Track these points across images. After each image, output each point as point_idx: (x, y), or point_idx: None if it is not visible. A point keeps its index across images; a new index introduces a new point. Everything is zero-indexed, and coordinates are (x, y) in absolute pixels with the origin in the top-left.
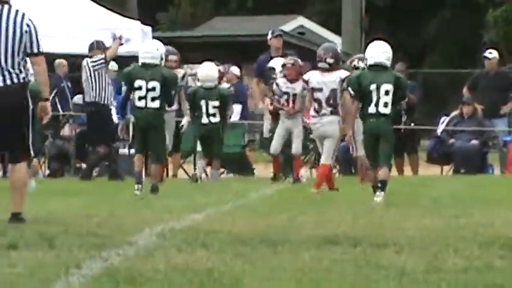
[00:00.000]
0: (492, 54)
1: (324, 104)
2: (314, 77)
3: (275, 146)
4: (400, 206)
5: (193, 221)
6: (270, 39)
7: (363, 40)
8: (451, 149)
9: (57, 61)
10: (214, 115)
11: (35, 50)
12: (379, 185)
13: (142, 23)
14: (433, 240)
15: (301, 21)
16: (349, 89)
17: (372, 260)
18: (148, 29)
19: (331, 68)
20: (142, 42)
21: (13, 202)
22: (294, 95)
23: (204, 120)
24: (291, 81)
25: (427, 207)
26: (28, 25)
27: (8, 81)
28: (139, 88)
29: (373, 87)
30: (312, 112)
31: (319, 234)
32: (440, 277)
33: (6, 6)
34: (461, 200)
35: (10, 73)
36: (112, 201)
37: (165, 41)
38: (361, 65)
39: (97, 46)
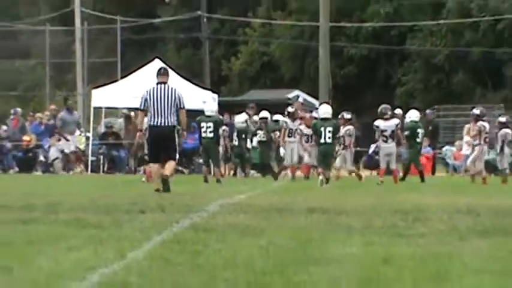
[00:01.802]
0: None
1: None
2: (381, 123)
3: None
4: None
5: (239, 199)
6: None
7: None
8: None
9: None
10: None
11: (181, 106)
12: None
13: (212, 91)
14: (368, 210)
15: (297, 92)
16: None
17: (334, 221)
18: (216, 95)
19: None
20: (205, 103)
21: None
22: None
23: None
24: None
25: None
26: (178, 94)
27: (169, 123)
28: (203, 127)
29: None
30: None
31: (307, 207)
32: (370, 230)
33: (166, 85)
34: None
35: (170, 118)
36: (196, 187)
37: (224, 102)
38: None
39: None
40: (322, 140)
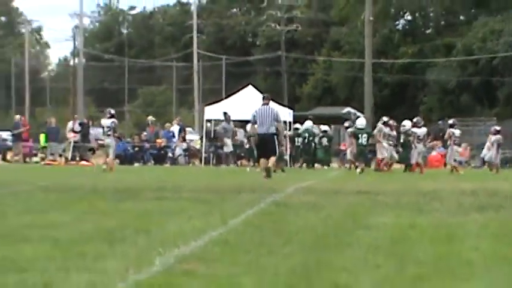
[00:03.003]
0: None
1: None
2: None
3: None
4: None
5: (307, 184)
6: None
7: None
8: None
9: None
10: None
11: (278, 120)
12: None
13: (289, 108)
14: (398, 192)
15: (349, 108)
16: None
17: (374, 199)
18: (291, 111)
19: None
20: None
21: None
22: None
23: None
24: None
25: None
26: (276, 112)
27: (270, 131)
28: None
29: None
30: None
31: (355, 190)
32: (399, 206)
33: (268, 105)
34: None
35: (271, 129)
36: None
37: (297, 116)
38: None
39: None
40: (359, 142)
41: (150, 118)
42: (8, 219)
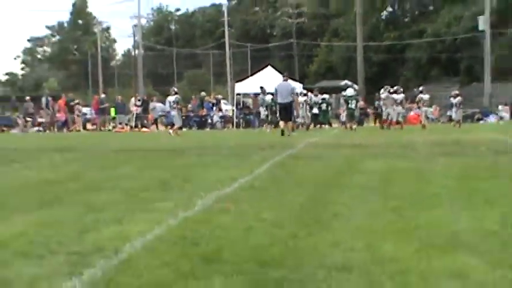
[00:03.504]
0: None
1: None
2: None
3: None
4: (376, 134)
5: (314, 140)
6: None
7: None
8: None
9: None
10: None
11: (294, 93)
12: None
13: (300, 82)
14: (383, 144)
15: (346, 81)
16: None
17: (366, 150)
18: (301, 84)
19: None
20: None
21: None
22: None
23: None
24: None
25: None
26: (293, 87)
27: (288, 101)
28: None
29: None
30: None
31: (350, 143)
32: (385, 155)
33: (287, 81)
34: None
35: (288, 99)
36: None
37: (306, 88)
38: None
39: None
40: (349, 106)
41: (203, 94)
42: (89, 174)
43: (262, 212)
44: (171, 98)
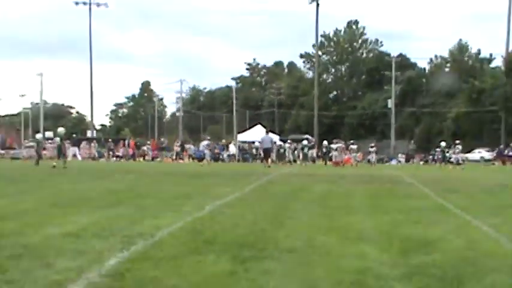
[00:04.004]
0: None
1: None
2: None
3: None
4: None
5: (284, 172)
6: None
7: None
8: None
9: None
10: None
11: (273, 141)
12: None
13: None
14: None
15: (307, 135)
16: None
17: (313, 177)
18: (278, 136)
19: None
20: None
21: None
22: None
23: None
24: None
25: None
26: (272, 137)
27: (269, 146)
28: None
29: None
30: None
31: (307, 173)
32: (327, 180)
33: (268, 134)
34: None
35: (270, 144)
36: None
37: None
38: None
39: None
40: (304, 152)
41: (228, 142)
42: (141, 187)
43: (245, 214)
44: (204, 142)
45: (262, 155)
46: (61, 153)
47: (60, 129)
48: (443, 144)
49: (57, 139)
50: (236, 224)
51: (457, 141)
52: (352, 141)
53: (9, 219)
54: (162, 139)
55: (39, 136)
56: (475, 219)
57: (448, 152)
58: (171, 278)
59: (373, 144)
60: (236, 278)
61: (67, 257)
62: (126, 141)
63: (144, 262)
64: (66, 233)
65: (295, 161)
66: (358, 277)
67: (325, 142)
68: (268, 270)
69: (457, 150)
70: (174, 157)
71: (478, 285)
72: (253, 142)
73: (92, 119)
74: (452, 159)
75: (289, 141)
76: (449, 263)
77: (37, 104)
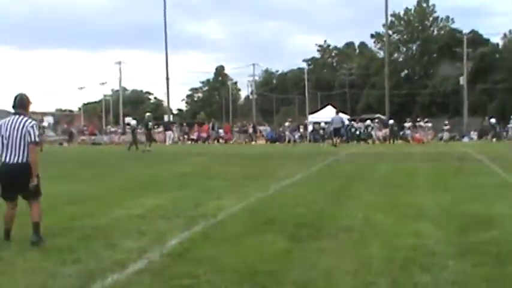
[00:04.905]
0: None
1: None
2: None
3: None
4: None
5: (352, 151)
6: None
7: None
8: None
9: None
10: None
11: (343, 121)
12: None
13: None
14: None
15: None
16: None
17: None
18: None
19: None
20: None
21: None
22: None
23: None
24: None
25: None
26: (342, 118)
27: (339, 126)
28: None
29: None
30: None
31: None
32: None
33: (339, 114)
34: None
35: (340, 125)
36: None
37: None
38: None
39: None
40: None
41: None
42: (210, 169)
43: (307, 194)
44: (286, 124)
45: (333, 135)
46: (150, 137)
47: (148, 115)
48: (492, 120)
49: (149, 123)
50: (297, 203)
51: None
52: (426, 120)
53: (81, 202)
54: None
55: (133, 122)
56: None
57: None
58: (228, 257)
59: (446, 122)
60: (291, 256)
61: (131, 238)
62: (211, 125)
63: (203, 242)
64: (133, 215)
65: (364, 139)
66: (412, 254)
67: (391, 121)
68: (323, 248)
69: (510, 126)
70: (247, 140)
71: None
72: (319, 123)
73: (168, 104)
74: None
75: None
76: (507, 240)
77: (117, 91)
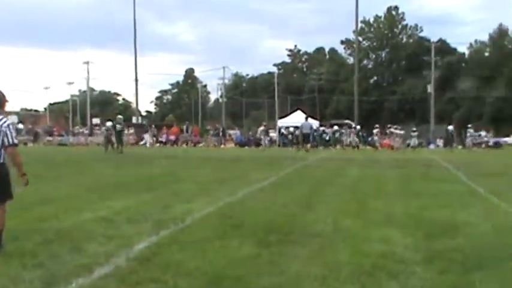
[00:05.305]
0: None
1: None
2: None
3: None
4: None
5: (320, 156)
6: None
7: None
8: None
9: None
10: None
11: (312, 127)
12: None
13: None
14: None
15: (347, 120)
16: None
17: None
18: (318, 121)
19: None
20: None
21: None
22: None
23: None
24: None
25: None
26: (311, 123)
27: (308, 132)
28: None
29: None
30: None
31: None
32: (359, 163)
33: (308, 120)
34: None
35: (308, 131)
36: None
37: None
38: None
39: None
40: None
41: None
42: (179, 172)
43: (276, 199)
44: (261, 128)
45: (300, 139)
46: (121, 139)
47: (119, 117)
48: (450, 127)
49: (118, 126)
50: (266, 208)
51: (469, 126)
52: (396, 126)
53: (46, 204)
54: (217, 125)
55: (109, 124)
56: (505, 204)
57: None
58: (195, 262)
59: (415, 129)
60: (259, 261)
61: (97, 242)
62: (185, 127)
63: (171, 246)
64: (100, 217)
65: (332, 145)
66: (380, 261)
67: (358, 127)
68: (292, 254)
69: (468, 134)
70: (216, 143)
71: (497, 270)
72: (288, 127)
73: (136, 106)
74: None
75: (328, 127)
76: (472, 247)
77: (84, 91)
